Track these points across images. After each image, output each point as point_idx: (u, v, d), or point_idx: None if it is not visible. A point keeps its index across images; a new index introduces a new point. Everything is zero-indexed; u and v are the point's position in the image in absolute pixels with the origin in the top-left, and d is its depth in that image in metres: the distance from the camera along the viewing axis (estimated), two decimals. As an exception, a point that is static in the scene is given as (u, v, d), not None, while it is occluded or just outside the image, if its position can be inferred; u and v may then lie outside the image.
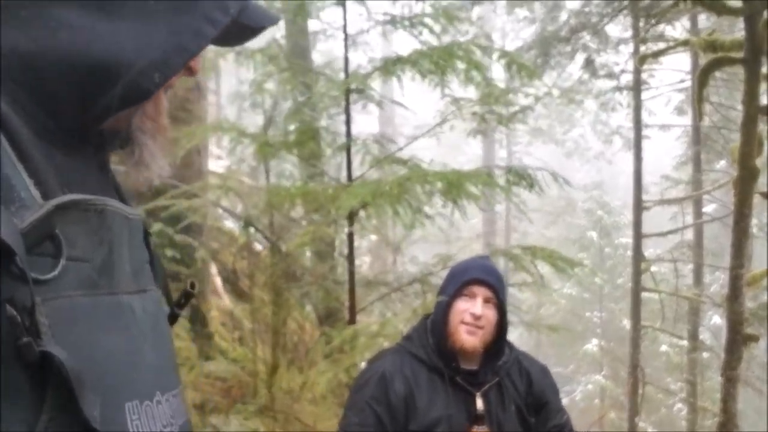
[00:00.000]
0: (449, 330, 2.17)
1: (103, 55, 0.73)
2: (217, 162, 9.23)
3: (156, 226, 4.84)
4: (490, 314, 2.17)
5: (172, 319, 0.93)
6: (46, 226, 0.66)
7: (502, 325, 2.20)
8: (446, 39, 3.86)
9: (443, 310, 2.20)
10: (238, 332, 6.18)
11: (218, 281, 6.55)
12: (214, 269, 6.33)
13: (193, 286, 0.96)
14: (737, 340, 4.63)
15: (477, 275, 2.19)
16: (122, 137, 0.81)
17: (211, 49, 4.48)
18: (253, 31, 0.89)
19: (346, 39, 3.53)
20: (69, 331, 0.66)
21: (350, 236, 3.47)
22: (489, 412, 2.14)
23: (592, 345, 18.58)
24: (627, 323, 13.41)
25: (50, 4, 0.73)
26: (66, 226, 0.68)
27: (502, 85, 5.29)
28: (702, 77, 5.83)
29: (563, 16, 10.16)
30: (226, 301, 6.51)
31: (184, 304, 0.94)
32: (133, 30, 0.75)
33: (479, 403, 2.14)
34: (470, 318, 2.14)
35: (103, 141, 0.81)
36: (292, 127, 3.81)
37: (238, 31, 0.86)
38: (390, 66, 3.33)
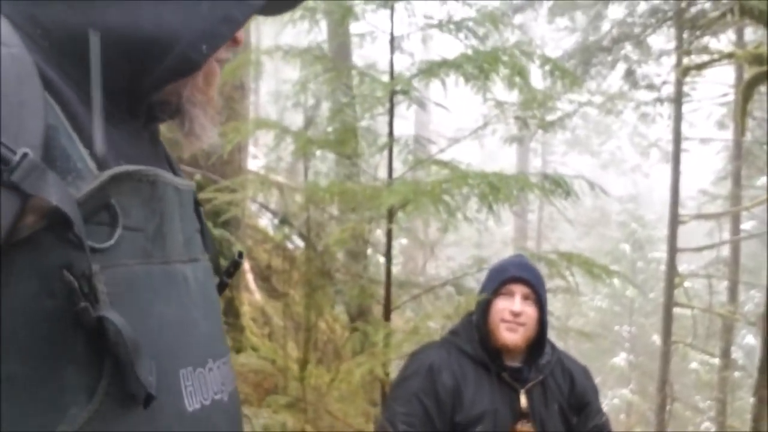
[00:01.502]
0: (490, 328, 2.21)
1: (152, 29, 0.74)
2: (253, 161, 9.32)
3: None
4: (530, 311, 2.21)
5: (221, 288, 0.94)
6: (102, 195, 0.67)
7: (542, 322, 2.23)
8: (490, 44, 3.87)
9: (483, 309, 2.24)
10: (267, 328, 6.24)
11: (250, 277, 6.62)
12: (246, 265, 6.39)
13: (241, 255, 0.97)
14: (773, 359, 4.55)
15: (515, 273, 2.24)
16: (172, 109, 0.82)
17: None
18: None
19: (392, 41, 3.56)
20: (126, 299, 0.68)
21: (389, 233, 3.50)
22: (532, 410, 2.17)
23: (620, 359, 18.34)
24: (657, 338, 13.21)
25: None
26: (120, 197, 0.69)
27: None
28: (746, 91, 5.75)
29: (605, 26, 10.07)
30: (258, 297, 6.58)
31: (233, 273, 0.95)
32: (180, 3, 0.75)
33: (523, 400, 2.17)
34: (510, 316, 2.18)
35: (153, 113, 0.82)
36: (331, 129, 3.85)
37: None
38: (435, 69, 3.35)
